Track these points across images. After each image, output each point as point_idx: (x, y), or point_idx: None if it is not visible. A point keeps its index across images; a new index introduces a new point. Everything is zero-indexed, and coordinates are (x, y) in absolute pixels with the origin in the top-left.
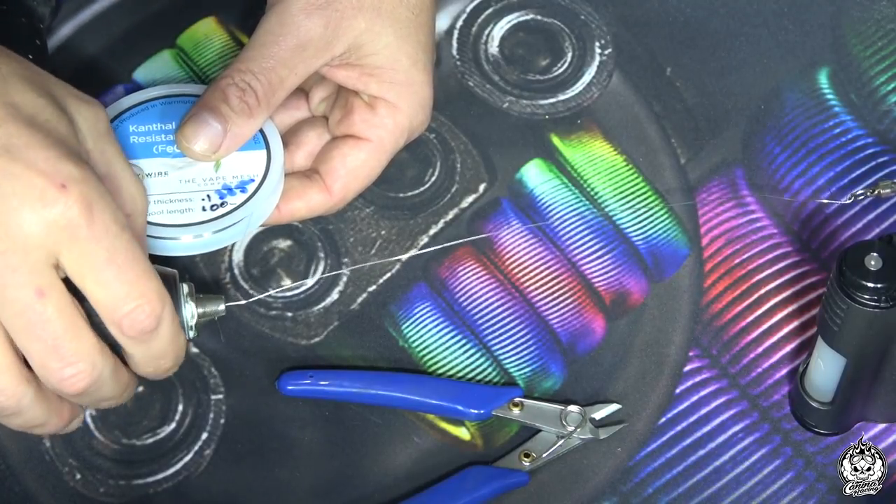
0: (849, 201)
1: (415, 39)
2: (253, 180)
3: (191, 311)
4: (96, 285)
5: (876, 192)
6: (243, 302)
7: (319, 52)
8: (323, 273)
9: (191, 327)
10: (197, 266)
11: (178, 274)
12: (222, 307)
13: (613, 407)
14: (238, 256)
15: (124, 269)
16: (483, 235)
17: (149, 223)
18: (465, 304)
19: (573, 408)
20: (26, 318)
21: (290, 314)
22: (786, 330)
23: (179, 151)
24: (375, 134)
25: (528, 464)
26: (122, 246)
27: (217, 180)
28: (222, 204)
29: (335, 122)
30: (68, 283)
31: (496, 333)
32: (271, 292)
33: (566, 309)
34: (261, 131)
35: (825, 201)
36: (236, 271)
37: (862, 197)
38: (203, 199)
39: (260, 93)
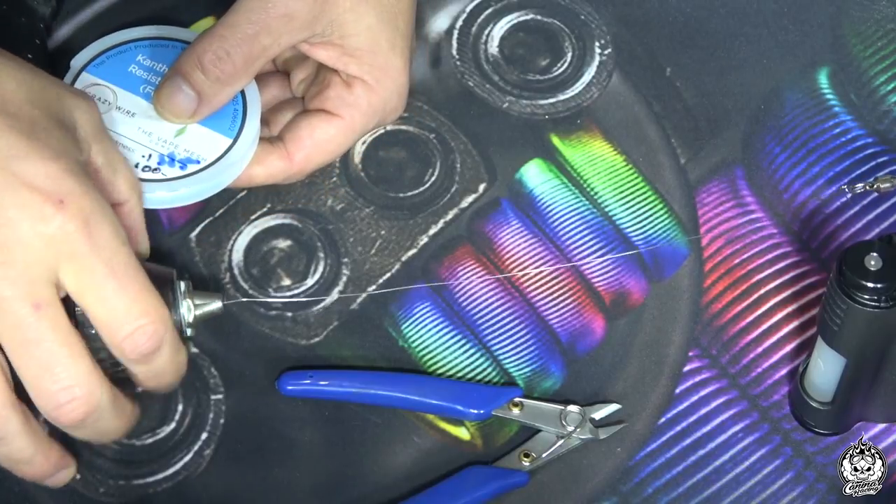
0: (844, 188)
1: (394, 25)
2: (199, 162)
3: (188, 309)
4: (96, 301)
5: (875, 186)
6: (242, 300)
7: (305, 25)
8: (318, 282)
9: (189, 324)
10: (196, 265)
11: (175, 272)
12: (220, 305)
13: (613, 407)
14: (238, 256)
15: (124, 283)
16: (505, 274)
17: None
18: (464, 304)
19: (573, 408)
20: (22, 332)
21: (289, 314)
22: (786, 330)
23: None
24: (348, 112)
25: (527, 464)
26: (121, 260)
27: (169, 145)
28: (155, 170)
29: (310, 97)
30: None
31: (496, 333)
32: (271, 299)
33: (566, 309)
34: (243, 110)
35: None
36: (236, 271)
37: (861, 189)
38: (143, 157)
39: (238, 62)
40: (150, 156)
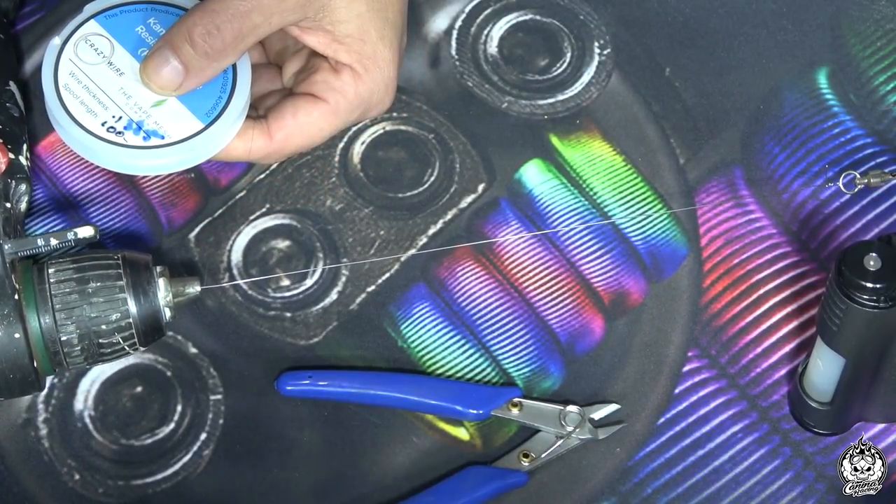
0: (830, 185)
1: (383, 16)
2: (163, 137)
3: (165, 291)
4: None
5: (866, 181)
6: (225, 284)
7: (296, 7)
8: (312, 268)
9: (168, 305)
10: (196, 266)
11: (151, 258)
12: (197, 288)
13: (612, 407)
14: (237, 256)
15: None
16: (492, 240)
17: (64, 104)
18: (463, 304)
19: (572, 408)
20: None
21: (289, 314)
22: (785, 330)
23: None
24: (333, 97)
25: (527, 464)
26: None
27: (143, 113)
28: (119, 133)
29: (298, 82)
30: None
31: (495, 333)
32: (246, 280)
33: (565, 309)
34: (228, 99)
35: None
36: (235, 271)
37: (848, 182)
38: (112, 117)
39: (228, 38)
40: (119, 118)
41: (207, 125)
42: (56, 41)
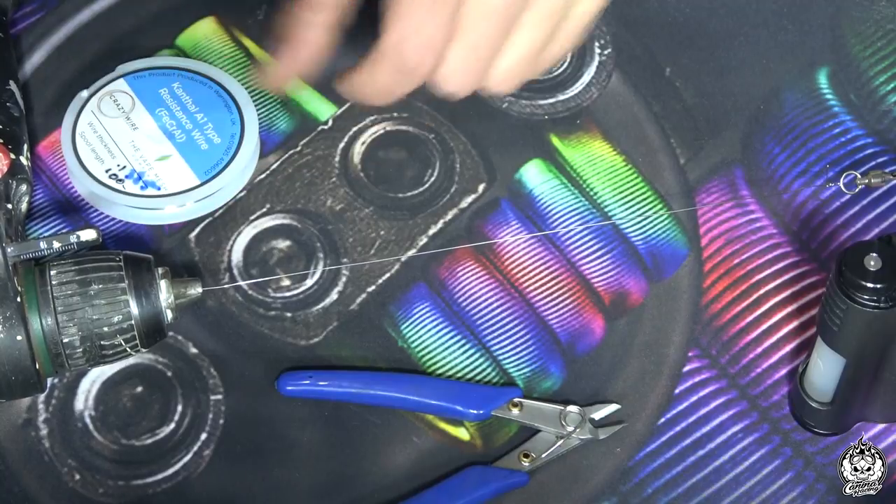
0: (830, 185)
1: None
2: (159, 188)
3: (167, 293)
4: None
5: (867, 181)
6: (227, 286)
7: None
8: (315, 268)
9: (169, 307)
10: (196, 266)
11: (153, 259)
12: (199, 290)
13: (613, 407)
14: (237, 257)
15: None
16: (492, 241)
17: (76, 150)
18: (464, 304)
19: (572, 408)
20: None
21: (289, 314)
22: (785, 330)
23: (168, 127)
24: None
25: (527, 464)
26: None
27: (146, 165)
28: (120, 181)
29: None
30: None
31: (495, 333)
32: (248, 282)
33: (565, 309)
34: (230, 162)
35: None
36: (235, 272)
37: (849, 182)
38: (118, 165)
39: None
40: (124, 167)
41: (203, 182)
42: (84, 94)
